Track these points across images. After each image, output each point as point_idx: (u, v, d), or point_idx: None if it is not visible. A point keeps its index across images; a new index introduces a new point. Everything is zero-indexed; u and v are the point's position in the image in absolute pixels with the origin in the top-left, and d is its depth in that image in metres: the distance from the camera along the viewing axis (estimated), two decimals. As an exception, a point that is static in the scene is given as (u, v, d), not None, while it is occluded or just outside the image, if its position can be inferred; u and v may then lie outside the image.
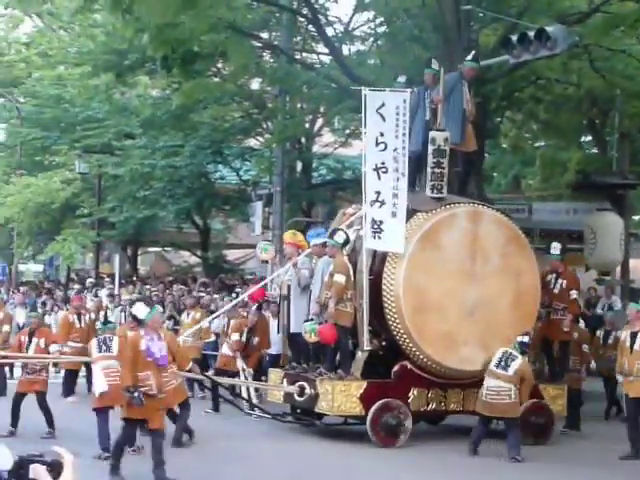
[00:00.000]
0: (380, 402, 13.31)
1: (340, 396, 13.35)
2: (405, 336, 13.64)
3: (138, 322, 10.47)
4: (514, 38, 15.24)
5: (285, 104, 25.43)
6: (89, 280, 30.86)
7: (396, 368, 13.77)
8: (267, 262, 15.41)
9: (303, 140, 28.85)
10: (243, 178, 31.37)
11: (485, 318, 13.65)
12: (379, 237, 13.74)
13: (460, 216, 14.12)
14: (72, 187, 31.85)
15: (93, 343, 13.23)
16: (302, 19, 24.36)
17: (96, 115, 30.85)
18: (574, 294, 15.12)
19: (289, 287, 14.75)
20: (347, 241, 13.84)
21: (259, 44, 23.75)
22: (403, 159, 13.82)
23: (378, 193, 13.82)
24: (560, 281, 14.90)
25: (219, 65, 26.62)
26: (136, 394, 10.27)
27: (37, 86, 34.00)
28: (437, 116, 14.40)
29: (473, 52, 15.18)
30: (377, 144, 13.91)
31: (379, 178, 13.87)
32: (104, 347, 12.97)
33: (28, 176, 33.11)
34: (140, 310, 10.43)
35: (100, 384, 12.63)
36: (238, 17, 20.25)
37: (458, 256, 13.96)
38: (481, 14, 19.25)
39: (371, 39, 24.98)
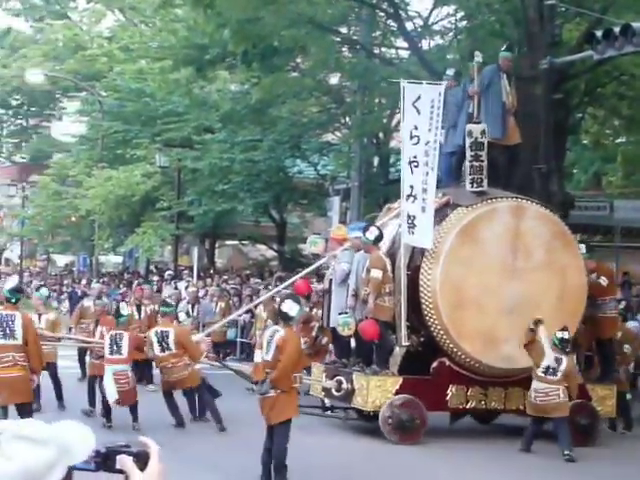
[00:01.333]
0: (394, 398, 13.09)
1: (375, 391, 13.15)
2: (442, 332, 13.38)
3: (289, 319, 10.22)
4: (599, 34, 14.98)
5: (364, 99, 25.38)
6: (168, 272, 31.30)
7: (434, 365, 13.56)
8: (318, 255, 15.37)
9: (381, 135, 28.78)
10: (321, 173, 31.44)
11: (527, 315, 13.10)
12: (412, 232, 13.62)
13: (502, 210, 13.81)
14: (152, 180, 32.24)
15: (106, 340, 13.54)
16: (382, 14, 24.29)
17: (176, 109, 31.19)
18: (603, 280, 14.69)
19: (331, 281, 14.75)
20: (379, 237, 13.66)
21: (338, 39, 23.77)
22: (434, 153, 13.64)
23: (412, 187, 13.72)
24: (599, 278, 14.58)
25: (298, 60, 26.71)
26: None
27: (118, 80, 34.48)
28: (474, 109, 14.22)
29: (507, 42, 14.92)
30: (411, 137, 13.81)
31: (412, 172, 13.77)
32: (115, 347, 13.26)
33: (109, 169, 33.60)
34: (291, 308, 10.33)
35: (111, 392, 12.95)
36: (318, 12, 20.30)
37: (499, 251, 13.63)
38: (564, 9, 19.01)
39: (451, 34, 24.80)
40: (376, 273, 13.32)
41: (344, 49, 25.34)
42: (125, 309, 14.37)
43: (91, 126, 38.53)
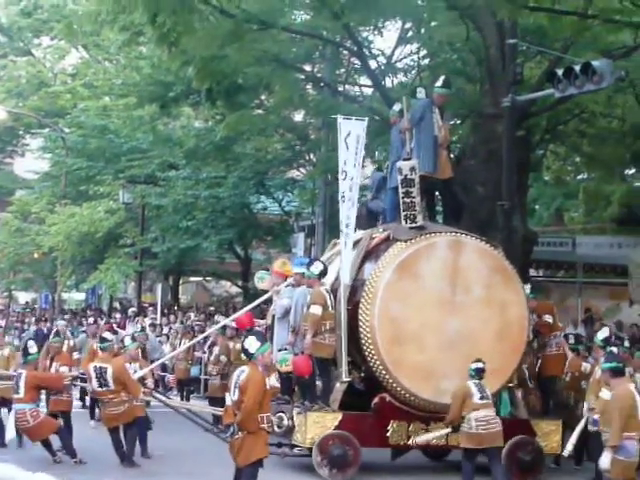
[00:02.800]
0: (328, 433, 13.04)
1: (314, 427, 13.09)
2: (381, 368, 13.34)
3: (249, 356, 10.19)
4: (559, 72, 15.16)
5: (328, 136, 25.48)
6: (131, 309, 31.07)
7: (375, 400, 13.50)
8: (266, 291, 15.38)
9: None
10: (285, 209, 31.47)
11: (466, 350, 13.13)
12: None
13: (440, 245, 13.82)
14: (116, 217, 32.10)
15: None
16: (345, 52, 24.47)
17: (140, 146, 31.14)
18: (547, 317, 15.02)
19: (273, 317, 14.75)
20: (324, 272, 13.76)
21: (303, 76, 23.88)
22: (356, 188, 14.05)
23: (343, 223, 14.05)
24: (540, 317, 14.86)
25: (262, 97, 26.80)
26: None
27: (82, 117, 34.34)
28: (407, 144, 14.39)
29: (443, 77, 15.05)
30: (341, 172, 14.18)
31: (341, 208, 14.13)
32: (16, 386, 13.86)
33: (72, 205, 33.41)
34: (252, 344, 10.29)
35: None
36: (282, 50, 20.39)
37: (437, 286, 13.61)
38: (525, 47, 19.24)
39: (414, 71, 25.02)
40: (316, 309, 13.33)
41: (308, 86, 25.46)
42: (34, 347, 14.33)
43: (54, 163, 38.31)
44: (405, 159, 14.21)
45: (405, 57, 25.96)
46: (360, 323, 13.48)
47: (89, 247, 34.02)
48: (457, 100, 19.60)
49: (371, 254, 14.24)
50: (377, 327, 13.34)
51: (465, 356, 12.83)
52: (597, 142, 24.96)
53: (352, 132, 14.14)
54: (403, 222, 14.01)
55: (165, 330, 24.96)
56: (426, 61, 23.79)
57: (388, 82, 24.32)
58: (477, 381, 12.48)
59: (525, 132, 19.36)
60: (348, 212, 14.02)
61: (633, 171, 28.96)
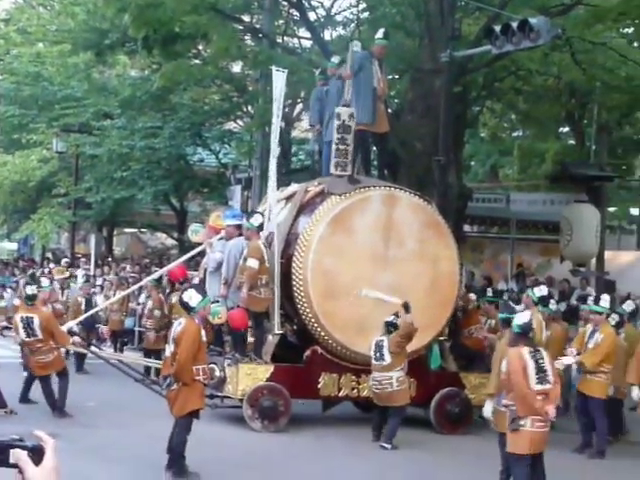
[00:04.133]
0: (258, 385, 13.14)
1: (246, 379, 13.18)
2: (314, 321, 13.45)
3: (189, 309, 10.17)
4: (497, 29, 15.22)
5: (266, 88, 25.32)
6: (64, 260, 30.71)
7: (307, 353, 13.62)
8: (200, 244, 15.30)
9: (282, 125, 28.78)
10: (222, 161, 31.28)
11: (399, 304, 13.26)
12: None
13: (374, 200, 13.84)
14: (49, 166, 31.67)
15: None
16: (285, 3, 24.29)
17: (75, 94, 30.65)
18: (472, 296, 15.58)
19: (206, 270, 14.70)
20: (262, 225, 13.74)
21: (241, 27, 23.66)
22: (275, 140, 14.11)
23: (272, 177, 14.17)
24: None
25: (200, 47, 26.51)
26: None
27: (15, 63, 33.66)
28: (346, 92, 14.32)
29: (383, 29, 14.98)
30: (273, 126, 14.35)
31: (271, 162, 14.27)
32: None
33: (5, 154, 32.91)
34: (191, 297, 10.20)
35: None
36: (221, -1, 20.17)
37: (371, 240, 13.69)
38: (464, 3, 19.28)
39: (353, 25, 24.93)
40: (252, 263, 13.29)
41: (247, 37, 25.25)
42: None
43: (-14, 110, 37.56)
44: (344, 105, 14.16)
45: (344, 10, 25.93)
46: (293, 276, 13.52)
47: (21, 196, 33.59)
48: (396, 55, 19.61)
49: (305, 208, 14.24)
50: (310, 280, 13.39)
51: (396, 310, 12.91)
52: (533, 100, 25.20)
53: (278, 84, 14.15)
54: (333, 169, 13.96)
55: (99, 281, 24.75)
56: (365, 14, 23.70)
57: (327, 35, 24.25)
58: (382, 338, 12.58)
59: (462, 88, 19.47)
60: (271, 165, 14.16)
61: (567, 129, 29.30)
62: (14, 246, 47.97)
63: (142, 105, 28.62)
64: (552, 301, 14.64)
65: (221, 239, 14.43)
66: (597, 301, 12.80)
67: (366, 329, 13.34)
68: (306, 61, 21.08)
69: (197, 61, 26.48)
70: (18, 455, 2.34)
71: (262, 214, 14.04)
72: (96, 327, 19.85)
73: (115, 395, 14.69)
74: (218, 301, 13.58)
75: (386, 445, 12.30)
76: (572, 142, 28.40)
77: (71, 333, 14.05)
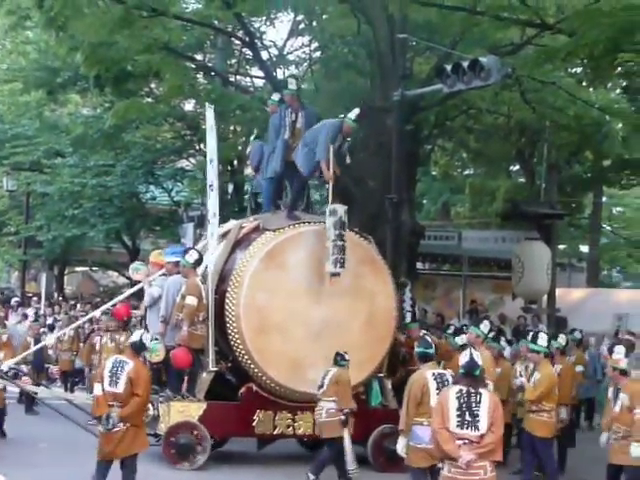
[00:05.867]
0: (176, 422, 12.98)
1: (178, 417, 13.00)
2: (247, 357, 13.31)
3: (141, 349, 10.13)
4: (448, 68, 15.39)
5: (219, 126, 25.34)
6: (14, 299, 30.32)
7: (242, 390, 13.49)
8: (139, 282, 15.21)
9: (235, 163, 28.80)
10: (175, 199, 31.16)
11: (334, 340, 13.14)
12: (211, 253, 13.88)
13: (307, 235, 13.75)
14: (-1, 204, 31.39)
15: None
16: (237, 42, 24.37)
17: (26, 132, 30.44)
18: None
19: (146, 308, 14.65)
20: (199, 261, 13.66)
21: (193, 65, 23.69)
22: (214, 172, 14.05)
23: (214, 213, 14.02)
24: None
25: (152, 85, 26.49)
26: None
27: (-34, 101, 33.46)
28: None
29: (357, 110, 14.39)
30: (210, 162, 14.16)
31: (210, 196, 14.14)
32: None
33: (-46, 192, 32.54)
34: (148, 339, 10.16)
35: None
36: (173, 38, 20.15)
37: (304, 276, 13.59)
38: (415, 43, 19.48)
39: (306, 64, 25.09)
40: (191, 300, 13.21)
41: (199, 75, 25.28)
42: None
43: None
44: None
45: (297, 49, 26.05)
46: (226, 312, 13.43)
47: (-29, 235, 33.19)
48: (348, 93, 19.75)
49: (240, 244, 14.15)
50: (242, 316, 13.29)
51: (332, 346, 12.82)
52: (483, 138, 25.50)
53: (210, 121, 14.18)
54: (331, 267, 13.51)
55: (49, 320, 24.43)
56: (318, 53, 23.88)
57: (280, 73, 24.31)
58: (331, 369, 12.49)
59: (414, 126, 19.64)
60: (215, 201, 14.01)
61: (518, 167, 29.63)
62: (-37, 285, 47.36)
63: (94, 143, 28.42)
64: (502, 338, 14.62)
65: (163, 274, 14.37)
66: (535, 339, 12.39)
67: (299, 366, 13.22)
68: (258, 99, 21.14)
69: (149, 99, 26.44)
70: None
71: (198, 251, 13.96)
72: (46, 367, 19.58)
73: (68, 435, 14.44)
74: (157, 339, 13.44)
75: (310, 475, 12.18)
76: (522, 180, 28.73)
77: (20, 373, 13.83)
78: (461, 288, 26.08)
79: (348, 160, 14.46)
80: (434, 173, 31.16)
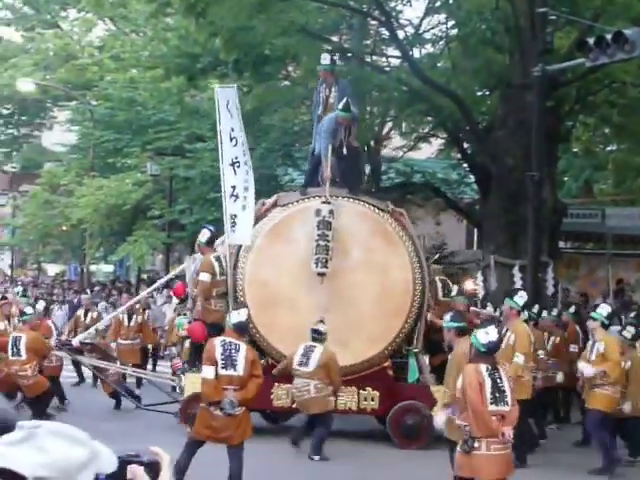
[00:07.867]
0: (191, 394, 12.97)
1: (192, 389, 12.90)
2: (254, 331, 13.39)
3: (242, 331, 10.29)
4: (590, 41, 14.98)
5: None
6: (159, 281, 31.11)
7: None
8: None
9: (372, 143, 28.76)
10: (312, 181, 31.32)
11: (343, 314, 13.12)
12: (234, 230, 14.01)
13: (313, 209, 13.71)
14: (143, 189, 32.13)
15: None
16: (373, 22, 24.29)
17: (168, 118, 31.10)
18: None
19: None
20: (211, 239, 14.16)
21: (330, 47, 23.71)
22: (248, 151, 14.48)
23: (234, 187, 14.17)
24: None
25: (289, 68, 26.68)
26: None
27: (109, 89, 34.35)
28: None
29: (345, 100, 14.36)
30: (231, 139, 14.34)
31: (235, 173, 14.24)
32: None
33: (100, 178, 33.48)
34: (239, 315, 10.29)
35: None
36: (309, 20, 20.28)
37: (311, 250, 13.54)
38: (555, 17, 19.02)
39: (442, 42, 24.80)
40: (204, 277, 13.71)
41: (336, 57, 25.28)
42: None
43: (82, 135, 38.37)
44: (325, 202, 13.87)
45: (433, 27, 25.74)
46: (237, 287, 13.75)
47: (117, 219, 34.10)
48: (486, 71, 19.46)
49: (259, 220, 14.42)
50: (247, 290, 13.58)
51: (341, 320, 12.80)
52: (627, 112, 24.71)
53: (230, 100, 14.36)
54: (313, 266, 13.57)
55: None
56: (454, 31, 23.56)
57: (416, 53, 24.13)
58: (314, 344, 12.46)
59: (554, 103, 19.20)
60: (246, 176, 14.24)
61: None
62: (110, 268, 48.82)
63: (233, 127, 28.85)
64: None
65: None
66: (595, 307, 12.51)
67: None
68: (395, 79, 21.05)
69: (287, 82, 26.64)
70: (135, 471, 2.33)
71: (210, 229, 14.63)
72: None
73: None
74: (186, 314, 14.31)
75: (314, 457, 12.21)
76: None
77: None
78: (605, 267, 25.45)
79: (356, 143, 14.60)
80: (576, 150, 30.42)
